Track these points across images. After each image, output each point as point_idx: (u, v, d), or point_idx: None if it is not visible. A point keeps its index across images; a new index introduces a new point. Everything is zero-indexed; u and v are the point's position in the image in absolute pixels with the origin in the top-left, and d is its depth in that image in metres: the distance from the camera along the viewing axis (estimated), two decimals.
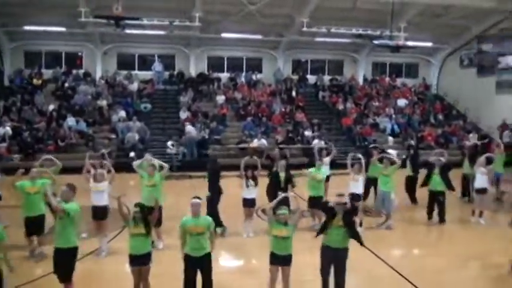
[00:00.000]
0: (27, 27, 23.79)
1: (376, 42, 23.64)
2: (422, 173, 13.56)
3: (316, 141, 22.63)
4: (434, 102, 29.05)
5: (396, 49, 23.28)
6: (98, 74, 26.62)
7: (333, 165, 14.74)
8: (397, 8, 22.36)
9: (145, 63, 27.80)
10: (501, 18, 24.76)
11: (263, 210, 12.91)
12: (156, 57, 27.57)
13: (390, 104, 27.74)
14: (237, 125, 24.46)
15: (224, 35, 25.86)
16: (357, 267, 8.70)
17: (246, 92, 26.75)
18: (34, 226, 9.24)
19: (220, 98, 25.78)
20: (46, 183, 8.55)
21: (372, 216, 12.95)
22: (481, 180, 12.73)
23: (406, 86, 30.18)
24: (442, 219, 12.43)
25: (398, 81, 30.73)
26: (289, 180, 11.69)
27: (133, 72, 26.95)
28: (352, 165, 11.94)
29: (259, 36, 26.34)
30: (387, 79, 30.61)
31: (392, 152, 16.83)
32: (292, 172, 12.18)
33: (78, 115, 22.73)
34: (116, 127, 22.52)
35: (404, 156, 15.37)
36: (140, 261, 7.10)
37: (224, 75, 28.27)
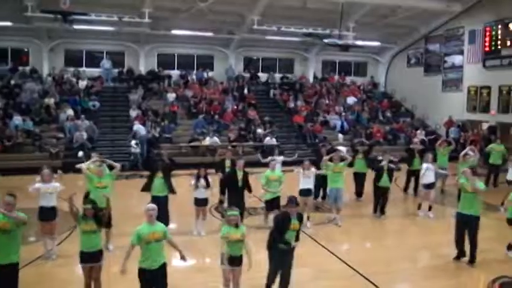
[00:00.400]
0: None
1: (325, 41, 24.05)
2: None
3: (268, 138, 22.87)
4: (383, 100, 29.77)
5: (345, 48, 23.80)
6: (45, 71, 25.78)
7: (284, 162, 14.99)
8: (346, 8, 22.88)
9: (93, 60, 27.14)
10: (447, 19, 25.81)
11: (216, 209, 12.95)
12: (105, 54, 26.96)
13: (340, 101, 28.24)
14: (188, 123, 24.27)
15: (174, 31, 25.58)
16: (308, 263, 8.87)
17: (197, 89, 26.58)
18: None
19: (171, 96, 25.50)
20: None
21: (322, 212, 13.22)
22: (429, 175, 13.17)
23: (355, 84, 30.79)
24: (383, 212, 12.97)
25: (348, 79, 31.33)
26: (246, 180, 11.52)
27: (81, 69, 26.29)
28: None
29: (210, 34, 26.15)
30: (336, 77, 31.15)
31: (342, 149, 17.16)
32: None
33: (24, 114, 21.95)
34: (63, 126, 21.91)
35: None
36: (91, 259, 6.97)
37: (175, 73, 27.99)
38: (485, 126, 24.35)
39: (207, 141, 22.18)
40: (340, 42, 23.48)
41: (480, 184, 9.23)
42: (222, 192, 12.27)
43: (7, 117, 21.51)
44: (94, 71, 26.49)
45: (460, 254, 9.41)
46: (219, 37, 27.06)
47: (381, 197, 12.91)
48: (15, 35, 24.79)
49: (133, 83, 26.32)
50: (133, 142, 21.06)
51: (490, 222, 11.53)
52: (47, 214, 9.30)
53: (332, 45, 24.43)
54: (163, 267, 6.75)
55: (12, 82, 24.14)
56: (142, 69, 27.30)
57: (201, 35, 26.28)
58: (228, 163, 13.13)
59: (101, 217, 7.10)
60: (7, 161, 18.77)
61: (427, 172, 13.15)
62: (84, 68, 26.52)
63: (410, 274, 9.21)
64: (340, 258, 9.57)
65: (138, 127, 21.81)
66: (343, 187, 12.42)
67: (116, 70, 26.91)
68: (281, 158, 15.10)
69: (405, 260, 9.76)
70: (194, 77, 27.90)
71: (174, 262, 7.93)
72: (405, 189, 16.00)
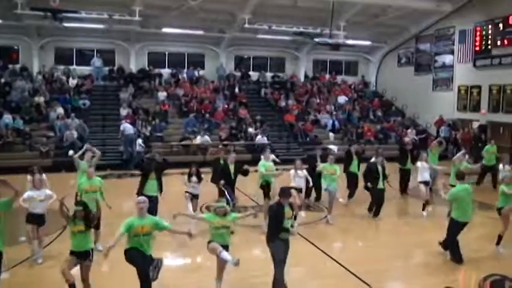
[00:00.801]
0: None
1: (316, 40, 24.11)
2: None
3: (259, 137, 22.87)
4: (373, 99, 29.87)
5: (336, 47, 23.84)
6: (35, 69, 25.55)
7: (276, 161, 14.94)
8: (336, 7, 22.95)
9: (84, 58, 26.95)
10: (437, 19, 25.95)
11: (207, 207, 12.89)
12: (95, 52, 26.81)
13: (331, 100, 28.30)
14: (179, 122, 24.18)
15: (165, 30, 25.47)
16: (300, 262, 8.86)
17: (188, 88, 26.49)
18: None
19: (162, 95, 25.38)
20: None
21: (314, 212, 13.25)
22: (424, 173, 13.30)
23: (346, 83, 30.85)
24: (377, 213, 12.83)
25: (339, 78, 31.38)
26: (239, 170, 11.99)
27: (72, 68, 26.07)
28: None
29: (201, 32, 26.00)
30: (327, 76, 31.20)
31: (334, 148, 17.20)
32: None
33: (14, 112, 21.72)
34: (54, 125, 21.73)
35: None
36: (81, 258, 7.00)
37: (165, 71, 27.86)
38: (475, 125, 24.51)
39: (198, 140, 22.13)
40: (331, 41, 23.53)
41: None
42: (217, 182, 12.22)
43: None
44: (84, 69, 26.29)
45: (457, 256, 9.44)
46: (210, 35, 26.92)
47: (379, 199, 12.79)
48: (5, 33, 24.56)
49: (123, 81, 26.17)
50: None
51: (482, 220, 11.61)
52: (36, 220, 9.09)
53: (323, 44, 24.49)
54: (150, 257, 6.93)
55: (2, 80, 23.90)
56: (133, 67, 27.15)
57: (191, 34, 26.18)
58: (222, 162, 13.08)
59: (90, 219, 7.15)
60: None
61: (423, 170, 13.27)
62: (74, 66, 26.30)
63: (401, 272, 9.23)
64: (332, 257, 9.56)
65: (124, 126, 21.41)
66: (337, 188, 12.47)
67: (107, 68, 26.75)
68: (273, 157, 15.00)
69: (397, 259, 9.76)
70: (185, 75, 27.83)
71: (166, 262, 7.89)
72: (404, 190, 15.81)
